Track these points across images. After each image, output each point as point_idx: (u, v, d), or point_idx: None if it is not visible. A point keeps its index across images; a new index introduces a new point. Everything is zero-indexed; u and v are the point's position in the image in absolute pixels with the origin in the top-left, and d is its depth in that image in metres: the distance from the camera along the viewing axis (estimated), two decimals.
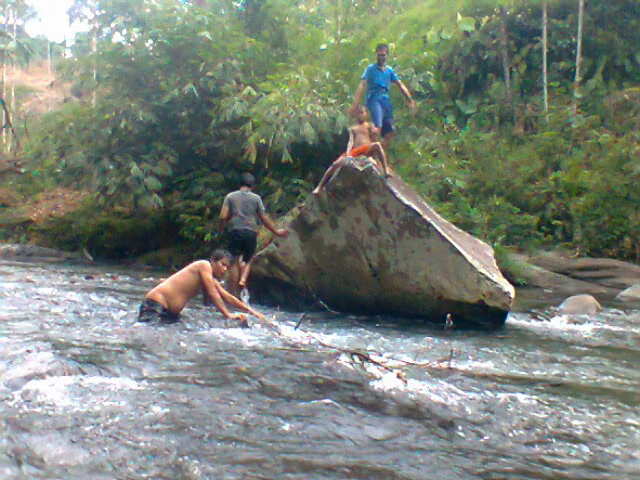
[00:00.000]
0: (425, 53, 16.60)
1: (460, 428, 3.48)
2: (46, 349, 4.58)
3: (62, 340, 5.06)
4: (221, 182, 16.67)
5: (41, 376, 3.94)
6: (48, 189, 24.92)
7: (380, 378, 4.35)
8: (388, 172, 8.05)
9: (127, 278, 12.87)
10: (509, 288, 7.77)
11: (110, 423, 3.20)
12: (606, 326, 8.13)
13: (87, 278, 12.17)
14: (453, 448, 3.20)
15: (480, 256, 8.36)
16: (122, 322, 6.43)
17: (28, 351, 4.49)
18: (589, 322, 8.34)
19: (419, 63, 15.96)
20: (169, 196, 18.28)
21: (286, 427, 3.36)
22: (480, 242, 9.84)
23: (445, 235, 7.77)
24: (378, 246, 8.08)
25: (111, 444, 2.92)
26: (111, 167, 17.16)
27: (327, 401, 3.78)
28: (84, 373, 4.10)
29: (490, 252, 9.30)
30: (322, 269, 8.60)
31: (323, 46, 19.97)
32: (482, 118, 22.03)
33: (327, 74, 15.81)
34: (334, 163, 8.41)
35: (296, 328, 6.45)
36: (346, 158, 8.26)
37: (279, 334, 6.23)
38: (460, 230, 9.62)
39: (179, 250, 17.03)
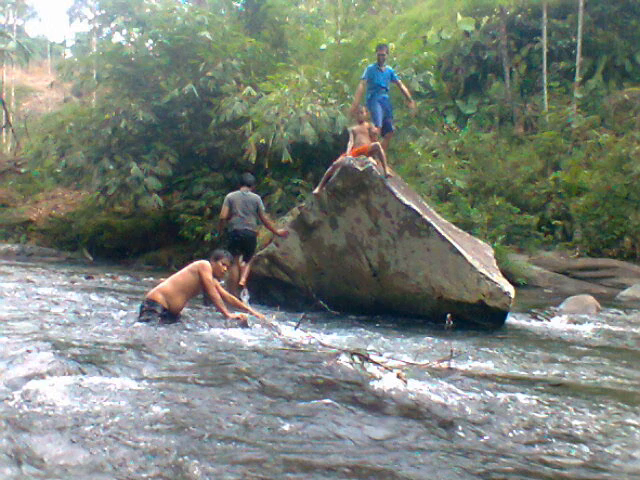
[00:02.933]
0: (425, 53, 16.59)
1: (460, 428, 3.48)
2: (46, 349, 4.58)
3: (62, 340, 5.06)
4: (221, 182, 16.67)
5: (41, 376, 3.94)
6: (48, 189, 24.92)
7: (380, 378, 4.35)
8: (388, 172, 8.06)
9: (127, 278, 12.87)
10: (509, 288, 7.77)
11: (110, 423, 3.20)
12: (606, 326, 8.13)
13: (87, 278, 12.17)
14: (453, 448, 3.20)
15: (480, 256, 8.36)
16: (122, 322, 6.43)
17: (28, 351, 4.49)
18: (589, 322, 8.34)
19: (419, 63, 15.96)
20: (169, 196, 18.29)
21: (286, 427, 3.36)
22: (480, 242, 9.84)
23: (445, 235, 7.78)
24: (378, 246, 8.08)
25: (111, 444, 2.92)
26: (111, 167, 17.16)
27: (327, 401, 3.79)
28: (84, 373, 4.10)
29: (490, 252, 9.31)
30: (322, 269, 8.60)
31: (323, 46, 19.97)
32: (482, 118, 22.03)
33: (327, 74, 15.81)
34: (334, 163, 8.42)
35: (296, 328, 6.45)
36: (346, 158, 8.27)
37: (279, 334, 6.23)
38: (460, 230, 9.62)
39: (179, 250, 17.03)
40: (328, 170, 8.44)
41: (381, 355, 5.13)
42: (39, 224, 22.34)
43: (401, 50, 16.57)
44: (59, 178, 21.58)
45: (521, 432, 3.46)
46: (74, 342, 5.04)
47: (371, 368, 4.62)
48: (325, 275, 8.61)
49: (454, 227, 9.47)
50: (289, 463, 2.86)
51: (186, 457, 2.79)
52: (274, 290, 8.95)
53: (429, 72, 16.18)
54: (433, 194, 16.07)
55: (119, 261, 18.69)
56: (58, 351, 4.54)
